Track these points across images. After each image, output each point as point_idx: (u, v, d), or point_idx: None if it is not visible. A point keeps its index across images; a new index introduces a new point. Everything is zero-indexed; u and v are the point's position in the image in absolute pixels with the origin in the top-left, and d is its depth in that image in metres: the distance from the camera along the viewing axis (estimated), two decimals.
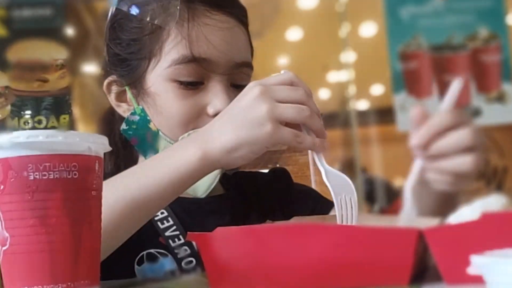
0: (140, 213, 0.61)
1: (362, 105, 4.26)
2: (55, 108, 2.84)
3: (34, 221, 0.43)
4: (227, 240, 0.50)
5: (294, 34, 3.92)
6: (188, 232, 0.52)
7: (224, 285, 0.50)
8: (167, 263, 0.72)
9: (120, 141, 0.80)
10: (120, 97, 0.79)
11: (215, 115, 0.71)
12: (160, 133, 0.74)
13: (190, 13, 0.72)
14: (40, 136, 0.44)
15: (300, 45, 4.01)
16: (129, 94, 0.77)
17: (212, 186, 0.75)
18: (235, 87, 0.76)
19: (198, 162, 0.59)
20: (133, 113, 0.76)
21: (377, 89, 4.36)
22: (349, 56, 3.40)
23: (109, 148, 0.49)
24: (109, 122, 0.83)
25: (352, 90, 3.41)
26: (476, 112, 2.77)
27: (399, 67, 2.85)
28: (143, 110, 0.75)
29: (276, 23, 3.45)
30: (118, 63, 0.77)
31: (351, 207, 0.56)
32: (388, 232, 0.45)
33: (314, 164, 0.61)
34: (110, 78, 0.78)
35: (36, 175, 0.43)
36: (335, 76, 4.07)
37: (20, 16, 2.92)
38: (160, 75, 0.73)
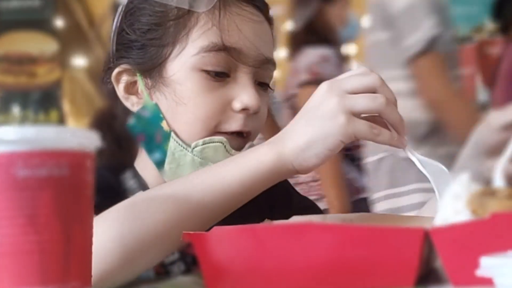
0: (204, 217, 0.59)
1: None
2: (44, 102, 2.83)
3: (22, 220, 0.42)
4: (224, 240, 0.49)
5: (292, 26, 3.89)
6: (184, 232, 0.50)
7: (221, 286, 0.49)
8: None
9: (117, 140, 0.76)
10: (130, 88, 0.73)
11: (242, 110, 0.69)
12: (172, 134, 0.70)
13: (221, 1, 0.70)
14: (29, 132, 0.42)
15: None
16: (141, 85, 0.72)
17: None
18: (259, 84, 0.73)
19: (270, 163, 0.58)
20: (143, 108, 0.72)
21: None
22: (350, 49, 3.39)
23: (101, 145, 0.47)
24: (106, 121, 0.78)
25: None
26: (482, 107, 2.76)
27: None
28: (156, 106, 0.71)
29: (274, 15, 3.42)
30: (134, 50, 0.72)
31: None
32: (393, 232, 0.44)
33: None
34: (121, 67, 0.73)
35: (25, 172, 0.42)
36: None
37: (8, 7, 2.89)
38: (185, 63, 0.69)
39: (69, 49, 2.97)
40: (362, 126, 0.56)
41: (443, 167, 0.55)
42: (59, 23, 3.02)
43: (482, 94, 2.77)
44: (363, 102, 0.56)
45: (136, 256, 0.57)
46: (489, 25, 2.79)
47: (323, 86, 0.58)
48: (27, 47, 2.89)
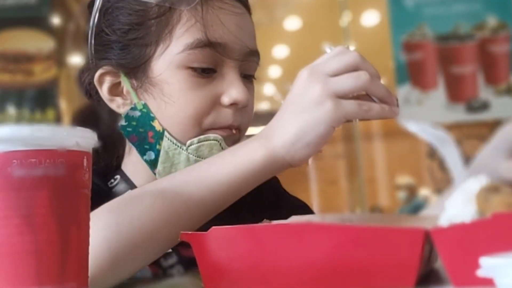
0: (194, 215, 0.58)
1: None
2: (40, 101, 2.81)
3: (19, 220, 0.41)
4: (222, 240, 0.48)
5: (292, 23, 3.88)
6: (182, 232, 0.50)
7: (219, 286, 0.48)
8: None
9: (103, 141, 0.75)
10: (114, 90, 0.72)
11: (231, 104, 0.69)
12: (165, 133, 0.69)
13: None
14: (25, 131, 0.42)
15: (299, 35, 3.98)
16: (127, 86, 0.71)
17: None
18: (245, 77, 0.73)
19: (261, 159, 0.57)
20: (133, 108, 0.70)
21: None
22: (350, 46, 3.38)
23: (98, 144, 0.47)
24: (90, 120, 0.76)
25: None
26: (484, 106, 2.74)
27: (402, 58, 2.81)
28: (145, 105, 0.70)
29: (274, 12, 3.42)
30: (115, 50, 0.71)
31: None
32: (393, 232, 0.44)
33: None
34: (103, 69, 0.71)
35: (21, 171, 0.41)
36: None
37: (4, 5, 2.87)
38: (171, 62, 0.68)
39: (66, 46, 2.95)
40: (350, 107, 0.55)
41: (444, 133, 0.54)
42: (55, 20, 3.00)
43: (484, 93, 2.75)
44: (348, 83, 0.55)
45: (126, 258, 0.56)
46: (491, 22, 2.78)
47: (303, 73, 0.57)
48: (23, 45, 2.87)
